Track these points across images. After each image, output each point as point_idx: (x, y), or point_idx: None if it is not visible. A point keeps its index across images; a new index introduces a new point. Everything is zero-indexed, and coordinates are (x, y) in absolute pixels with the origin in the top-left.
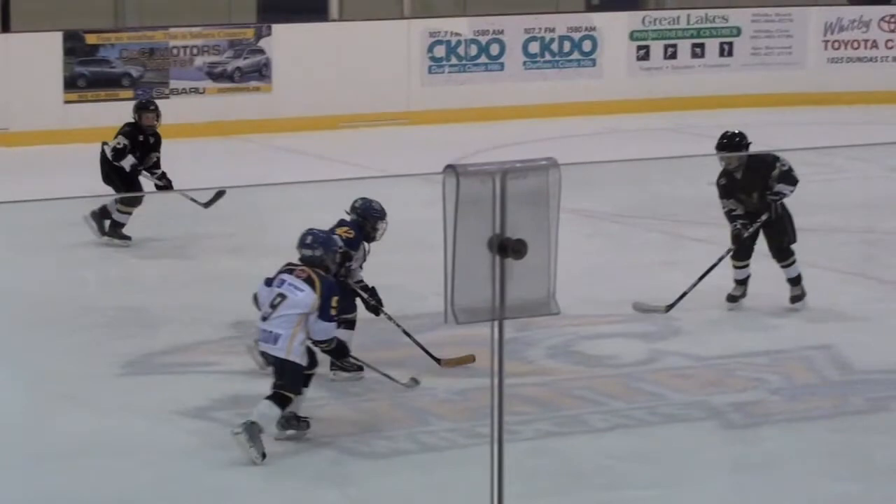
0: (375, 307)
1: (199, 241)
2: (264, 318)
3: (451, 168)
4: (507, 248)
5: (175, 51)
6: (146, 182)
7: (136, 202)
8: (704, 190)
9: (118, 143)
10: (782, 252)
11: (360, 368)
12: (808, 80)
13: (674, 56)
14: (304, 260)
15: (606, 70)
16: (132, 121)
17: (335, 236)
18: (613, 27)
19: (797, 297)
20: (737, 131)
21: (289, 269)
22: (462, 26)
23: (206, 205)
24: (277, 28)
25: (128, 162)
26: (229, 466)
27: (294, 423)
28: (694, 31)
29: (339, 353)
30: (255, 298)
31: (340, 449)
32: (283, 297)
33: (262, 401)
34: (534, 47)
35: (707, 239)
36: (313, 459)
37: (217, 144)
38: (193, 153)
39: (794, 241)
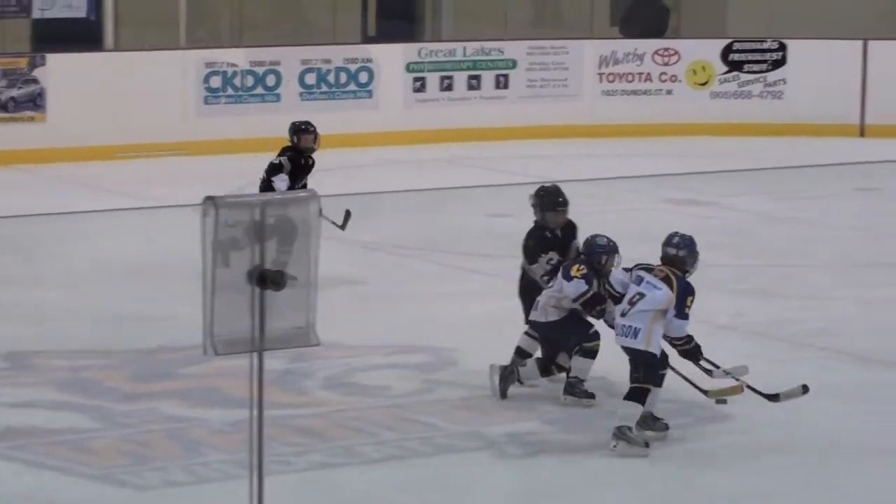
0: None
1: None
2: (623, 314)
3: (210, 200)
4: (266, 279)
5: None
6: None
7: None
8: (481, 221)
9: (275, 159)
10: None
11: (592, 396)
12: (584, 112)
13: (450, 88)
14: (665, 258)
15: (383, 102)
16: (288, 144)
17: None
18: (390, 59)
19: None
20: (557, 187)
21: (646, 268)
22: (238, 57)
23: (342, 227)
24: (52, 58)
25: (281, 180)
26: None
27: (651, 424)
28: (470, 64)
29: (693, 354)
30: (611, 280)
31: (111, 480)
32: (641, 295)
33: (622, 403)
34: (310, 78)
35: (483, 270)
36: (80, 491)
37: None
38: None
39: None
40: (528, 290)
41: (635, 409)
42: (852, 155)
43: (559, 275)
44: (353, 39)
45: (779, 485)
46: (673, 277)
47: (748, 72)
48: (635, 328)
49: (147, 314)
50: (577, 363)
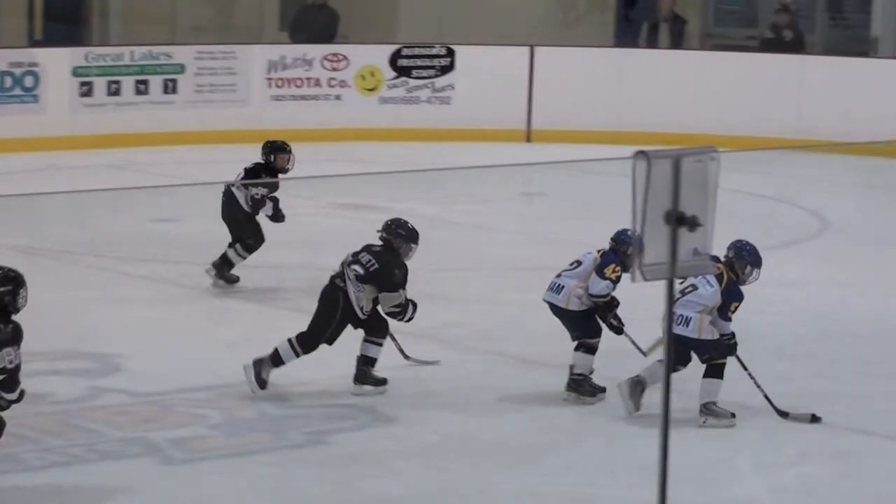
0: (619, 328)
1: None
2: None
3: None
4: None
5: None
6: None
7: (253, 251)
8: (145, 226)
9: (256, 194)
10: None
11: (603, 389)
12: (253, 117)
13: (117, 93)
14: (725, 259)
15: (49, 106)
16: (260, 162)
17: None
18: (56, 63)
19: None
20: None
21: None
22: None
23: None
24: None
25: (268, 210)
26: None
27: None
28: (138, 68)
29: (731, 349)
30: None
31: None
32: (694, 287)
33: (702, 381)
34: None
35: (147, 275)
36: None
37: None
38: None
39: None
40: (333, 304)
41: (716, 385)
42: (519, 160)
43: (592, 267)
44: (18, 43)
45: (433, 487)
46: (726, 278)
47: (416, 77)
48: (687, 317)
49: None
50: (579, 359)
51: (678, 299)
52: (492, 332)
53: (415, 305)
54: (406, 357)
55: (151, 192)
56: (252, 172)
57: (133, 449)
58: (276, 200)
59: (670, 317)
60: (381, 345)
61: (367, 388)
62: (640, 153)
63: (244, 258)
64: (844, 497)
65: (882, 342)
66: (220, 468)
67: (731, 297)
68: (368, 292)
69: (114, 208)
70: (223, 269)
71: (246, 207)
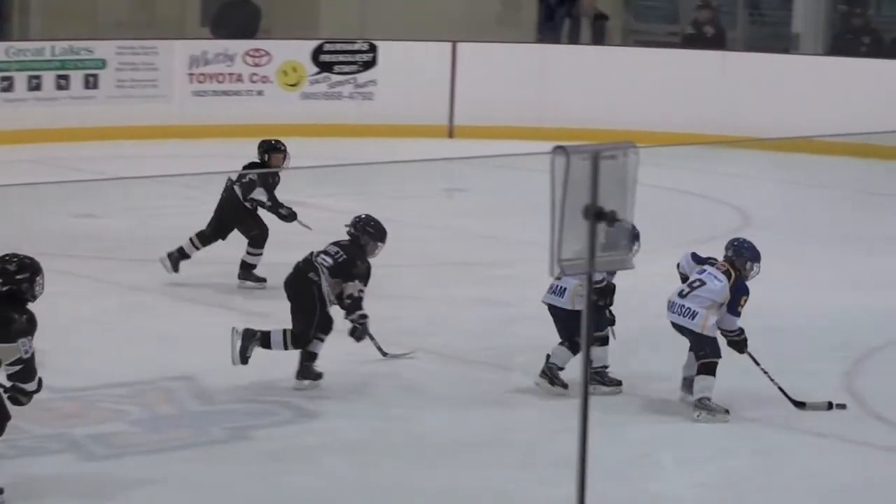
0: (611, 320)
1: None
2: (681, 295)
3: None
4: None
5: None
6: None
7: (262, 242)
8: (67, 222)
9: (245, 179)
10: None
11: (620, 383)
12: (174, 112)
13: (38, 88)
14: (726, 258)
15: None
16: (255, 161)
17: None
18: None
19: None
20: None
21: (712, 261)
22: None
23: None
24: None
25: (260, 194)
26: None
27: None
28: (59, 63)
29: (739, 345)
30: (679, 265)
31: None
32: (702, 282)
33: (695, 378)
34: None
35: (68, 271)
36: None
37: None
38: None
39: None
40: (310, 300)
41: (710, 381)
42: (441, 155)
43: None
44: None
45: (355, 482)
46: (734, 274)
47: (339, 73)
48: (693, 310)
49: None
50: (599, 353)
51: (687, 293)
52: (414, 329)
53: (365, 319)
54: (384, 354)
55: (72, 188)
56: (244, 169)
57: (54, 445)
58: (272, 193)
59: (590, 314)
60: (324, 340)
61: (307, 382)
62: (559, 148)
63: (261, 253)
64: (765, 492)
65: (803, 337)
66: (142, 464)
67: (739, 292)
68: (334, 285)
69: (34, 203)
70: (249, 272)
71: (243, 200)
